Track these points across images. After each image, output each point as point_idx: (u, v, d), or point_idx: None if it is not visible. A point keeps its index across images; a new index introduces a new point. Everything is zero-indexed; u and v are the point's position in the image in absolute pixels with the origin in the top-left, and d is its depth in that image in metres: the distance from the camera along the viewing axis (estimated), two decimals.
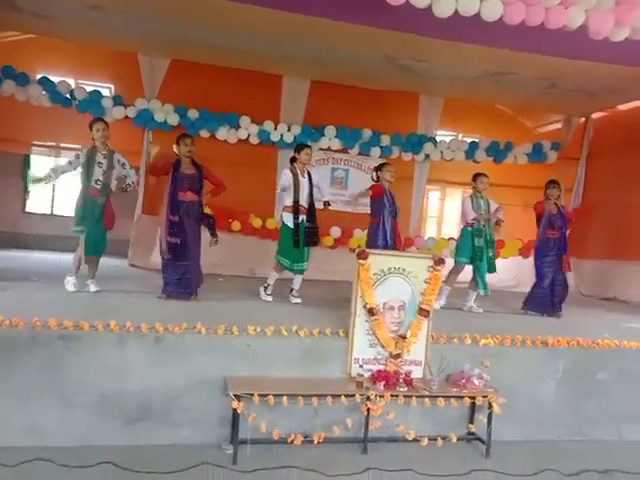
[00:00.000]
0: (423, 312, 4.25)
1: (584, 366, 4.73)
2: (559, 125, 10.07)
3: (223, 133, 8.78)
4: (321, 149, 9.40)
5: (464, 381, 4.15)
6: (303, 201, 5.58)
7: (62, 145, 9.26)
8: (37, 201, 10.43)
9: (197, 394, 3.82)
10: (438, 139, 9.76)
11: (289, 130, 9.00)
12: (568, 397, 4.66)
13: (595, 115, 9.72)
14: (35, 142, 9.58)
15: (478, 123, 10.26)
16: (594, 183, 9.76)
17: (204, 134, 8.74)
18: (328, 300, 5.73)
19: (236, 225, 8.78)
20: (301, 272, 5.69)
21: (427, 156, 9.57)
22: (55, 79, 8.34)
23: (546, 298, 6.31)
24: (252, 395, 3.59)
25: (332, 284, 6.81)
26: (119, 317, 3.93)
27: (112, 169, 5.28)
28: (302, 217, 5.55)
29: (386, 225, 5.84)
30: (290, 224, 5.57)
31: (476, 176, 6.55)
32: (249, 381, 3.81)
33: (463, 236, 6.41)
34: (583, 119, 9.83)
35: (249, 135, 8.89)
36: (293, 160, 5.76)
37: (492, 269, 6.33)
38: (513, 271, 9.43)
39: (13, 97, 8.14)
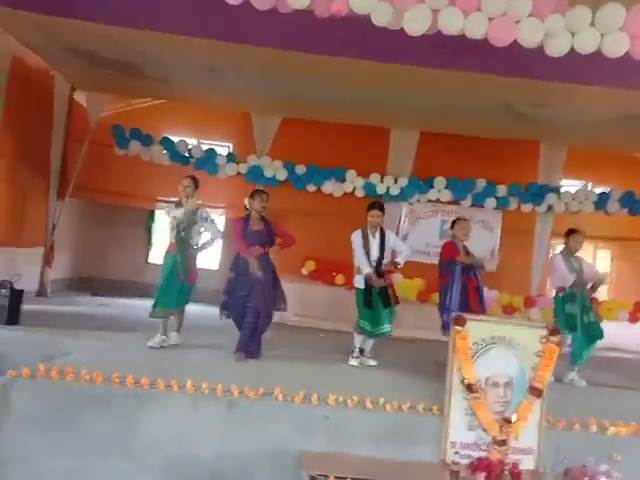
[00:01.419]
0: (535, 391, 3.61)
1: None
2: None
3: (329, 187, 8.73)
4: (430, 201, 8.99)
5: (587, 479, 3.41)
6: (374, 262, 5.25)
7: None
8: (159, 252, 11.03)
9: (270, 467, 3.50)
10: (563, 189, 8.91)
11: (395, 182, 8.73)
12: None
13: None
14: (159, 198, 10.26)
15: (610, 171, 9.29)
16: None
17: (311, 188, 8.76)
18: (415, 362, 5.27)
19: (340, 279, 8.55)
20: (383, 336, 5.30)
21: (550, 207, 8.74)
22: (175, 139, 8.88)
23: None
24: (327, 477, 3.18)
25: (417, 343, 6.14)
26: (196, 376, 3.78)
27: (193, 225, 5.31)
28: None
29: (454, 286, 5.26)
30: (360, 285, 5.27)
31: (570, 232, 5.77)
32: (325, 458, 3.41)
33: (556, 304, 5.65)
34: None
35: (354, 188, 8.75)
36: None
37: (595, 337, 5.45)
38: None
39: (139, 157, 8.79)
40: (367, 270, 5.21)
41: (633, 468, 3.58)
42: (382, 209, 5.47)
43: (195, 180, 5.44)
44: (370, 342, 5.40)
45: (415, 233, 9.24)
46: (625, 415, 4.02)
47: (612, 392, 5.23)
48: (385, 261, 5.35)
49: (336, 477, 3.19)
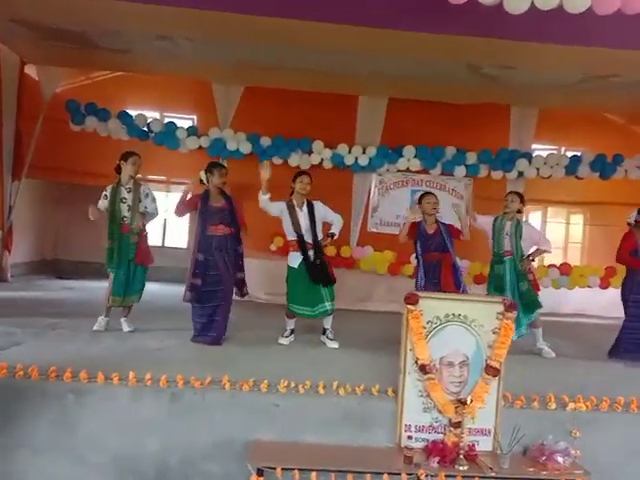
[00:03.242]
0: (491, 370, 3.48)
1: None
2: None
3: (295, 159, 8.45)
4: (399, 170, 8.77)
5: (545, 458, 3.31)
6: (305, 236, 4.99)
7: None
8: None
9: (218, 459, 3.36)
10: (535, 154, 8.74)
11: (364, 152, 8.48)
12: None
13: None
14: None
15: (582, 134, 9.14)
16: None
17: (276, 161, 8.47)
18: (377, 341, 5.09)
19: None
20: (322, 316, 5.07)
21: (521, 173, 8.58)
22: (134, 113, 8.51)
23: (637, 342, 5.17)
24: (274, 469, 3.05)
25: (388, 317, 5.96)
26: (141, 366, 3.60)
27: (138, 203, 5.05)
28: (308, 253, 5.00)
29: (420, 265, 5.11)
30: (294, 264, 5.03)
31: (507, 195, 5.71)
32: (274, 449, 3.28)
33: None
34: None
35: (322, 160, 8.48)
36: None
37: (528, 307, 5.35)
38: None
39: (96, 133, 8.41)
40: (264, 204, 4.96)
41: (592, 444, 3.50)
42: (311, 177, 5.22)
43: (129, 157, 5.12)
44: (329, 321, 5.17)
45: (385, 204, 9.06)
46: (583, 388, 3.94)
47: (575, 364, 5.14)
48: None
49: (283, 469, 3.07)
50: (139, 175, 5.37)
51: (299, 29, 5.93)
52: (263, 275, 8.23)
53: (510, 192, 5.88)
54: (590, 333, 6.97)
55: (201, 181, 5.01)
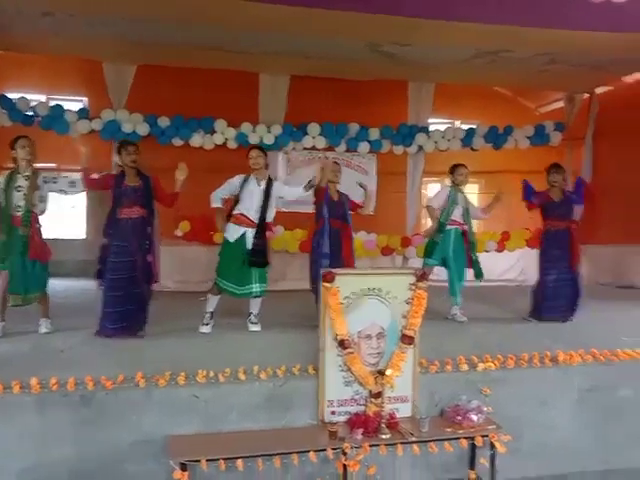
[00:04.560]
0: (407, 339, 3.59)
1: (603, 384, 4.04)
2: (562, 104, 9.31)
3: (197, 139, 8.15)
4: (305, 148, 8.75)
5: (460, 417, 3.49)
6: (251, 212, 4.92)
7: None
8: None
9: (138, 459, 3.21)
10: (432, 128, 9.05)
11: (269, 131, 8.35)
12: (587, 422, 3.99)
13: (599, 90, 8.94)
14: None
15: (475, 108, 9.56)
16: (603, 163, 9.00)
17: (177, 142, 8.14)
18: (296, 320, 5.09)
19: (218, 237, 8.16)
20: (248, 296, 5.00)
21: (420, 147, 8.86)
22: (16, 96, 7.79)
23: (552, 302, 5.51)
24: (199, 462, 2.96)
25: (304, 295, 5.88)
26: (45, 371, 3.34)
27: (34, 191, 4.66)
28: (246, 230, 4.90)
29: (325, 231, 5.13)
30: (231, 238, 4.92)
31: (453, 168, 5.87)
32: (197, 441, 3.19)
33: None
34: (587, 95, 9.04)
35: (226, 139, 8.25)
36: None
37: (479, 274, 5.75)
38: (521, 265, 8.73)
39: None
40: (215, 204, 5.02)
41: (502, 399, 3.74)
42: (262, 150, 5.11)
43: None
44: (256, 305, 5.07)
45: (294, 183, 8.89)
46: (492, 349, 4.19)
47: (483, 325, 5.44)
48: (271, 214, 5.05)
49: (208, 460, 2.99)
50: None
51: (190, 4, 5.68)
52: (171, 262, 7.93)
53: (460, 165, 5.89)
54: (493, 295, 7.41)
55: (117, 164, 4.79)
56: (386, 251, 8.53)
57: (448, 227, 5.68)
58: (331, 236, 5.19)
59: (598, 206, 8.84)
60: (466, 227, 5.79)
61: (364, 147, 8.74)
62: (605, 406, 4.01)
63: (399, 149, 8.81)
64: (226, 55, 7.48)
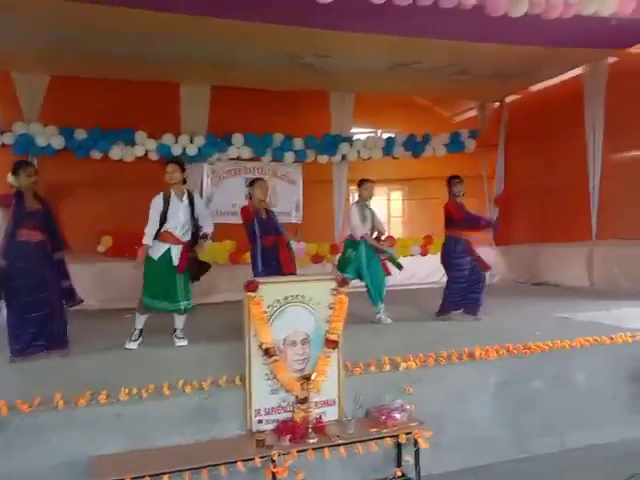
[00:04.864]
0: (330, 343, 3.67)
1: (517, 376, 4.29)
2: (475, 112, 9.84)
3: (117, 152, 7.94)
4: (230, 159, 8.74)
5: (384, 417, 3.60)
6: (177, 231, 4.88)
7: None
8: None
9: None
10: (355, 137, 9.29)
11: (192, 141, 8.28)
12: (503, 413, 4.21)
13: (509, 99, 9.54)
14: None
15: (395, 117, 9.92)
16: (514, 168, 9.60)
17: (95, 155, 7.89)
18: (224, 332, 5.04)
19: None
20: (176, 312, 4.96)
21: (344, 156, 9.07)
22: None
23: (462, 302, 5.88)
24: None
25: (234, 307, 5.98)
26: None
27: None
28: (170, 247, 4.86)
29: (257, 250, 5.23)
30: (154, 256, 4.86)
31: (360, 182, 6.10)
32: (121, 460, 3.11)
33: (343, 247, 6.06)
34: (497, 104, 9.63)
35: (147, 151, 8.09)
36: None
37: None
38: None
39: None
40: (146, 242, 4.82)
41: (424, 397, 3.88)
42: (179, 164, 5.03)
43: None
44: (181, 320, 5.02)
45: (220, 194, 8.95)
46: (413, 348, 4.35)
47: (406, 326, 5.67)
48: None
49: (133, 478, 2.93)
50: None
51: (101, 14, 5.59)
52: (93, 280, 7.68)
53: (366, 180, 6.10)
54: (417, 297, 7.68)
55: (11, 185, 4.55)
56: (316, 259, 8.65)
57: (358, 241, 5.85)
58: (268, 251, 5.25)
59: (512, 209, 9.45)
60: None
61: (289, 157, 8.85)
62: (519, 397, 4.26)
63: (323, 158, 8.99)
64: (145, 66, 7.38)
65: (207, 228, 5.14)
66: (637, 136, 7.34)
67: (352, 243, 5.90)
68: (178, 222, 4.88)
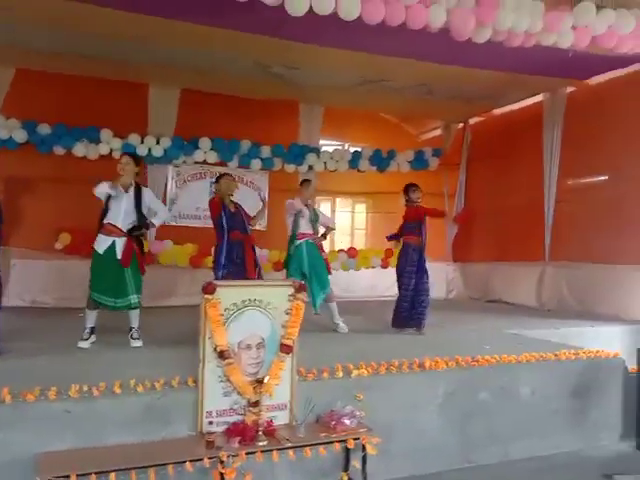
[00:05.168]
0: (285, 348, 3.73)
1: (465, 387, 4.43)
2: (440, 131, 10.11)
3: (81, 149, 7.84)
4: (196, 162, 8.73)
5: (334, 422, 3.67)
6: (119, 221, 4.81)
7: None
8: None
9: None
10: (323, 149, 9.42)
11: (158, 143, 8.24)
12: (451, 423, 4.34)
13: (472, 120, 9.85)
14: None
15: (362, 131, 10.08)
16: (475, 188, 9.89)
17: (58, 151, 7.77)
18: (180, 335, 5.04)
19: None
20: (127, 309, 4.90)
21: (311, 167, 9.18)
22: None
23: (409, 312, 5.89)
24: (68, 477, 2.87)
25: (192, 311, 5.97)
26: None
27: None
28: (115, 240, 4.80)
29: (223, 244, 5.26)
30: (100, 249, 4.80)
31: (302, 183, 6.30)
32: (68, 457, 3.08)
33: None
34: (461, 125, 9.92)
35: (111, 150, 8.00)
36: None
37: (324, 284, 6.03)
38: None
39: None
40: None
41: (374, 404, 3.97)
42: (134, 158, 5.02)
43: None
44: (135, 317, 4.96)
45: (184, 197, 8.94)
46: (366, 356, 4.45)
47: (361, 336, 5.79)
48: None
49: (79, 475, 2.91)
50: None
51: (70, 11, 5.54)
52: (49, 277, 7.55)
53: (306, 180, 6.34)
54: (377, 309, 7.81)
55: None
56: (277, 266, 8.68)
57: (298, 241, 5.95)
58: (234, 248, 5.28)
59: (471, 227, 9.74)
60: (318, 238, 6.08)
61: (256, 164, 8.90)
62: (466, 408, 4.40)
63: (290, 168, 9.07)
64: (114, 65, 7.33)
65: (159, 218, 5.14)
66: (590, 163, 7.68)
67: (292, 238, 5.99)
68: (119, 213, 4.81)
